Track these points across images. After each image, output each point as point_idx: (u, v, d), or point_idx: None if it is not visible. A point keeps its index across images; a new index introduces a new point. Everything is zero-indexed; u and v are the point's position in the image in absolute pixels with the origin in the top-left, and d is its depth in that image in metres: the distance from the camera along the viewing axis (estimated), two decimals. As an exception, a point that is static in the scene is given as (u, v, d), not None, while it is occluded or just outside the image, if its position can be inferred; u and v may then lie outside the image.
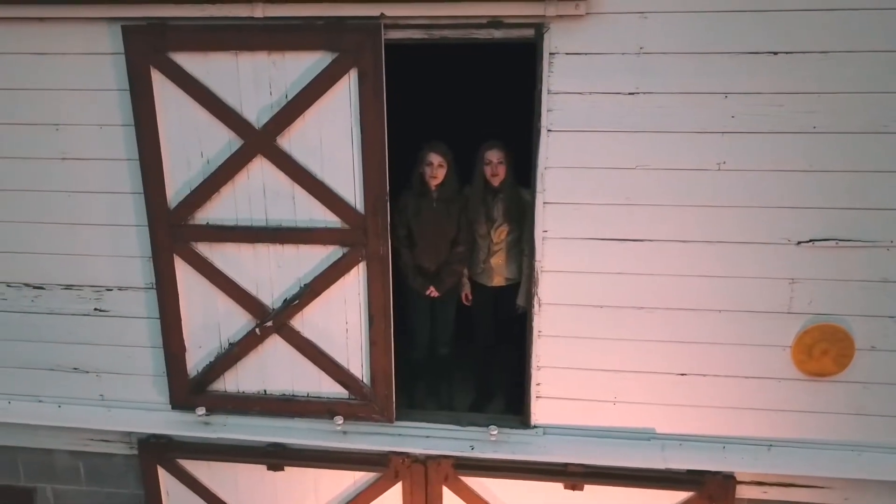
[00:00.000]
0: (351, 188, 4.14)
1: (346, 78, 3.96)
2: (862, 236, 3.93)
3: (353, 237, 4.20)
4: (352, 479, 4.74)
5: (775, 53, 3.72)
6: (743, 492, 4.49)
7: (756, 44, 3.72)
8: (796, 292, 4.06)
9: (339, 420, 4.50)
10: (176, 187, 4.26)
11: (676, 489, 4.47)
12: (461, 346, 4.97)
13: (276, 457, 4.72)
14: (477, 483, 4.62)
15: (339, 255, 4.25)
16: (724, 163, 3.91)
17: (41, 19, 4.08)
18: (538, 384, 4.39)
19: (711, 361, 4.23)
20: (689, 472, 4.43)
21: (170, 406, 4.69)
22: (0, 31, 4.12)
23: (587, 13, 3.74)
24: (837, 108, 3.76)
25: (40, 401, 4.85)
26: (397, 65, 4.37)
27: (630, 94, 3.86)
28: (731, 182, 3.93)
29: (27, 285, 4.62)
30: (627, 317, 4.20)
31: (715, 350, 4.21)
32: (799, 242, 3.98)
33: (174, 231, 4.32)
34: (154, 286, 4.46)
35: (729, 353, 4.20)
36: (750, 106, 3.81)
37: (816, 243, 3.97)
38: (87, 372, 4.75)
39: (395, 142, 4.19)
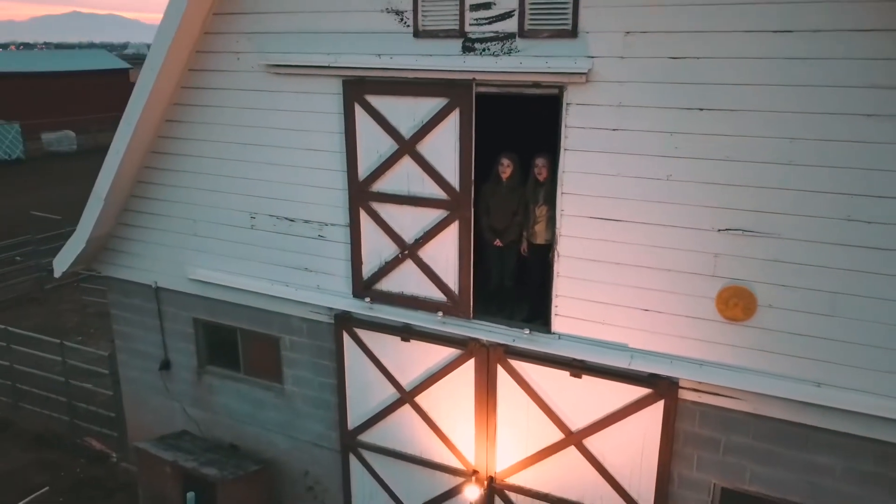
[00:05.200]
0: (453, 176, 7.12)
1: (453, 114, 6.94)
2: (760, 229, 6.02)
3: (452, 205, 7.19)
4: (446, 353, 7.77)
5: (701, 109, 5.98)
6: (685, 395, 6.73)
7: (689, 103, 6.00)
8: (718, 262, 6.25)
9: (440, 314, 7.56)
10: (363, 169, 7.58)
11: (641, 386, 6.84)
12: (521, 282, 7.73)
13: (406, 332, 7.91)
14: (518, 365, 7.40)
15: (444, 215, 7.27)
16: (671, 175, 6.23)
17: (306, 75, 7.60)
18: (556, 306, 7.04)
19: (664, 303, 6.55)
20: (650, 375, 6.78)
21: (352, 295, 8.09)
22: (285, 79, 7.73)
23: (587, 81, 6.31)
24: (743, 146, 5.91)
25: (286, 285, 8.55)
26: (502, 112, 7.25)
27: (613, 129, 6.35)
28: (675, 188, 6.24)
29: (286, 219, 8.29)
30: (611, 268, 6.68)
31: (666, 296, 6.52)
32: (719, 230, 6.17)
33: (360, 194, 7.66)
34: (349, 225, 7.86)
35: (675, 299, 6.50)
36: (687, 141, 6.10)
37: (731, 232, 6.13)
38: (312, 271, 8.33)
39: (489, 150, 7.07)
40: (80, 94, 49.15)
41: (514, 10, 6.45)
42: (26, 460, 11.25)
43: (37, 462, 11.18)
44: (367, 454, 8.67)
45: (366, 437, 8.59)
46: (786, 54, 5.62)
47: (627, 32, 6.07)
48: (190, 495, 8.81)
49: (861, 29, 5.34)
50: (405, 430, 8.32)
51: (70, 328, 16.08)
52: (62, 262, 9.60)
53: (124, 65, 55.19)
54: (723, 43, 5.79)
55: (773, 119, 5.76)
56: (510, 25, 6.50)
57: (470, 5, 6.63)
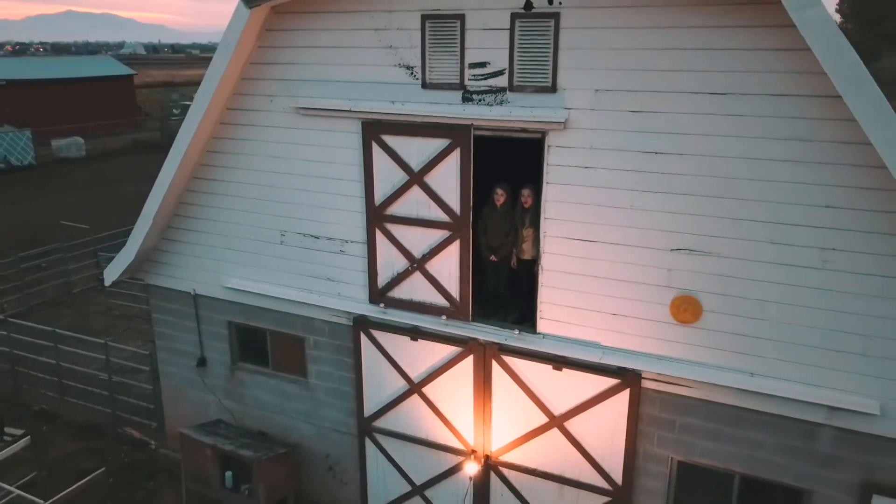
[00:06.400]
0: (455, 203, 8.53)
1: (455, 152, 8.34)
2: (704, 249, 7.44)
3: (454, 227, 8.60)
4: (449, 350, 9.19)
5: (657, 153, 7.39)
6: (647, 384, 8.16)
7: (647, 147, 7.42)
8: (672, 276, 7.67)
9: (443, 317, 8.98)
10: (378, 195, 8.98)
11: (611, 377, 8.27)
12: (511, 290, 9.13)
13: (414, 333, 9.32)
14: (510, 361, 8.82)
15: (448, 235, 8.68)
16: (634, 205, 7.64)
17: (332, 117, 9.00)
18: (541, 311, 8.46)
19: (629, 309, 7.97)
20: (618, 368, 8.20)
21: (368, 301, 9.50)
22: (312, 119, 9.13)
23: (565, 128, 7.72)
24: (689, 183, 7.33)
25: (311, 292, 9.95)
26: (497, 151, 8.68)
27: (586, 167, 7.76)
28: (637, 215, 7.65)
29: (312, 236, 9.69)
30: (585, 280, 8.10)
31: (630, 302, 7.94)
32: (672, 249, 7.59)
33: (376, 216, 9.06)
34: (366, 242, 9.26)
35: (637, 305, 7.91)
36: (646, 178, 7.51)
37: (681, 251, 7.55)
38: (333, 281, 9.73)
39: (487, 180, 8.48)
40: (87, 101, 50.48)
41: (504, 69, 7.86)
42: (74, 448, 12.64)
43: (84, 450, 12.58)
44: (380, 438, 10.09)
45: (380, 423, 10.00)
46: (722, 111, 7.03)
47: (597, 90, 7.48)
48: (228, 474, 10.23)
49: (778, 94, 6.76)
50: (414, 416, 9.73)
51: (99, 329, 17.44)
52: (112, 273, 11.00)
53: (129, 71, 56.53)
54: (673, 101, 7.20)
55: (713, 161, 7.17)
56: (502, 81, 7.91)
57: (469, 64, 8.03)
